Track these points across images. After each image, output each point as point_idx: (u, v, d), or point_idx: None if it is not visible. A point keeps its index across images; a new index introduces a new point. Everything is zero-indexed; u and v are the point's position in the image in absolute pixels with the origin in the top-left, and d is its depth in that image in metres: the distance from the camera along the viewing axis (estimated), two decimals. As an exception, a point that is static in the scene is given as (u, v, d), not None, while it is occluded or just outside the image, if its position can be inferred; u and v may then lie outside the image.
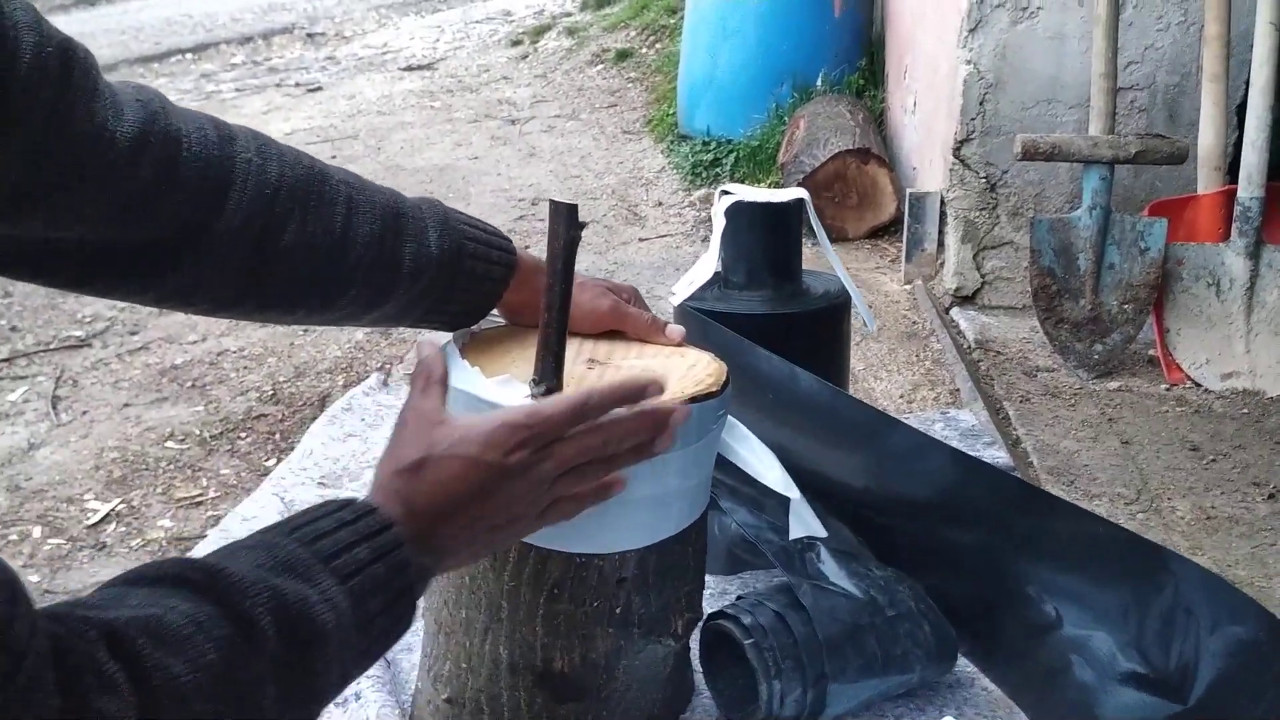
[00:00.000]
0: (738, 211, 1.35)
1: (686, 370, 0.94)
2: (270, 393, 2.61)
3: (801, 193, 1.39)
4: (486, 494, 0.69)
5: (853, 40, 3.48)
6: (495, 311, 1.00)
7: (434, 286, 0.90)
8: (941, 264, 2.57)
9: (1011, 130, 2.38)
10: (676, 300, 1.37)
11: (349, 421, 1.84)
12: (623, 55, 5.05)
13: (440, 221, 0.91)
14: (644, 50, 5.07)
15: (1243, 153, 2.08)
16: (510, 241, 0.98)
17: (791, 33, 3.38)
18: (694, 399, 0.87)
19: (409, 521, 0.65)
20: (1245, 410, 1.96)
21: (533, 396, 0.83)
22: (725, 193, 1.39)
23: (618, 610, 0.91)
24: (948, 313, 2.46)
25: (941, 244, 2.56)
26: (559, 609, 0.90)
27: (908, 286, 2.60)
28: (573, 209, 0.79)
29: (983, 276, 2.50)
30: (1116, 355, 2.12)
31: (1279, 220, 2.11)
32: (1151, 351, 2.19)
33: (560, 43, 5.61)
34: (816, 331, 1.37)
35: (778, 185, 3.24)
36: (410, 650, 1.21)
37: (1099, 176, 2.09)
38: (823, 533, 1.04)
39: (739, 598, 1.11)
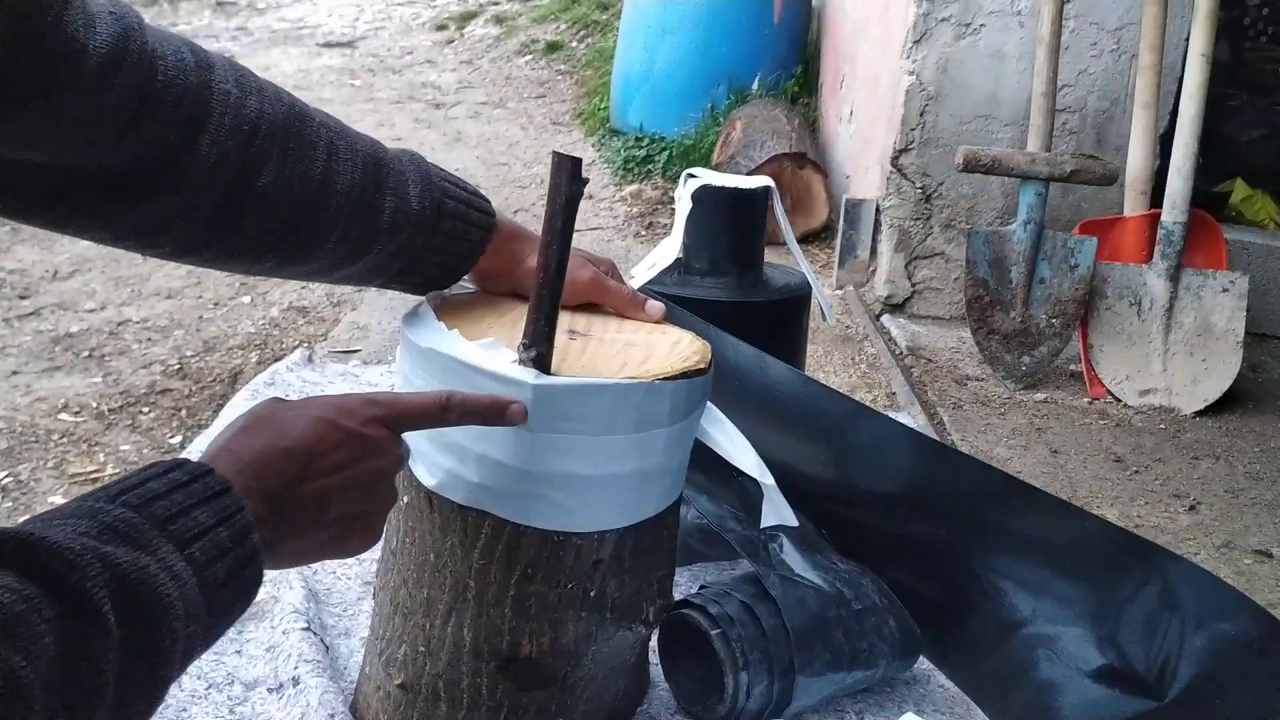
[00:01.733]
0: (705, 196, 1.32)
1: (671, 347, 0.90)
2: (176, 367, 2.46)
3: (767, 181, 1.37)
4: (333, 454, 0.63)
5: (790, 47, 3.50)
6: (466, 278, 0.95)
7: (411, 244, 0.85)
8: (873, 271, 2.60)
9: (949, 143, 2.41)
10: (636, 285, 1.33)
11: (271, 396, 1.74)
12: (552, 47, 4.99)
13: (421, 176, 0.85)
14: (574, 44, 5.02)
15: (1168, 179, 2.15)
16: (489, 203, 0.92)
17: (730, 35, 3.38)
18: (681, 375, 0.83)
19: (244, 483, 0.59)
20: (1163, 425, 2.03)
21: (521, 362, 0.78)
22: (691, 175, 1.36)
23: (592, 593, 0.87)
24: (878, 319, 2.49)
25: (874, 251, 2.58)
26: (531, 590, 0.85)
27: (839, 292, 2.62)
28: (576, 162, 0.75)
29: (913, 285, 2.53)
30: (1043, 368, 2.16)
31: (1199, 245, 2.19)
32: (1074, 366, 2.25)
33: (488, 30, 5.51)
34: (778, 322, 1.35)
35: (711, 185, 3.24)
36: (348, 635, 1.14)
37: (1035, 192, 2.14)
38: (794, 522, 1.01)
39: (702, 587, 1.08)
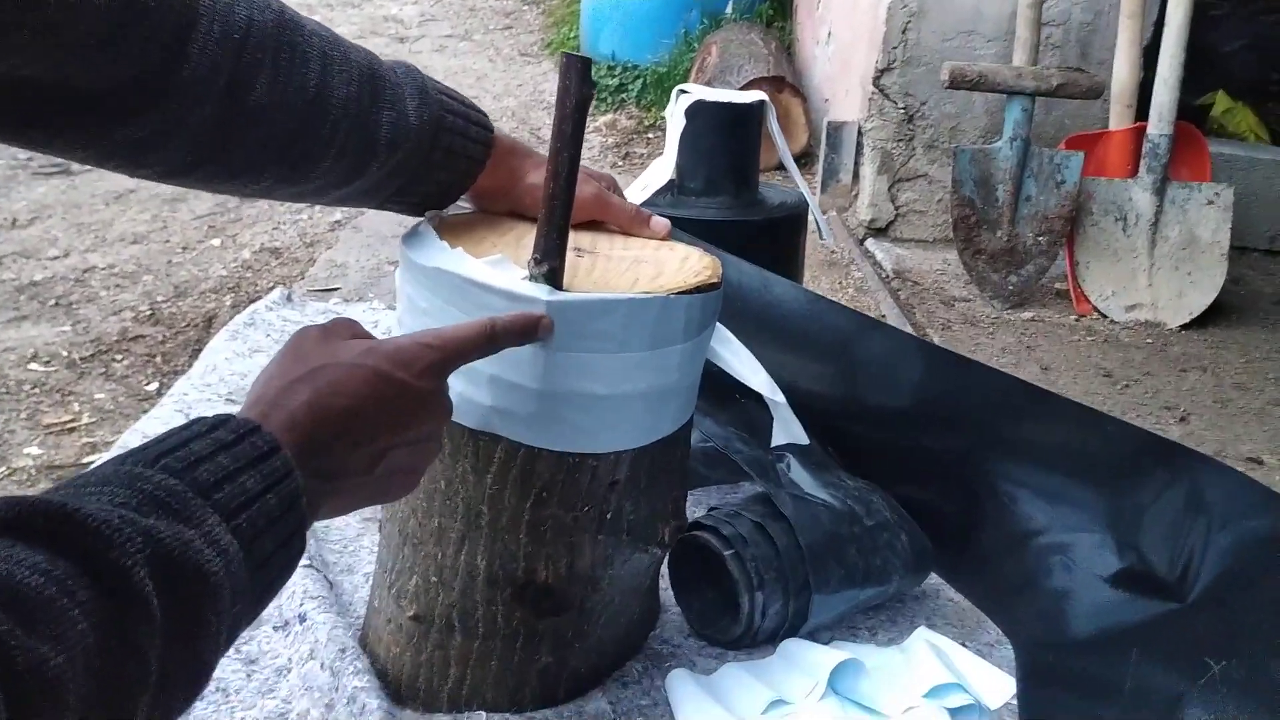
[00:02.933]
0: (699, 111, 1.28)
1: (680, 263, 0.87)
2: (148, 313, 2.40)
3: (762, 95, 1.33)
4: (388, 415, 0.61)
5: (763, -32, 3.42)
6: (463, 198, 0.91)
7: (409, 161, 0.80)
8: (856, 195, 2.57)
9: (932, 61, 2.37)
10: (629, 206, 1.30)
11: (252, 336, 1.70)
12: (516, -24, 4.85)
13: (418, 88, 0.81)
14: (538, -27, 4.88)
15: (1154, 90, 2.13)
16: (487, 117, 0.88)
17: (702, -43, 3.29)
18: (695, 290, 0.81)
19: (296, 441, 0.56)
20: (1149, 340, 2.03)
21: (531, 277, 0.75)
22: (683, 92, 1.32)
23: (608, 516, 0.85)
24: (862, 244, 2.46)
25: (857, 175, 2.55)
26: (546, 515, 0.82)
27: (824, 216, 2.59)
28: (586, 63, 0.71)
29: (896, 209, 2.50)
30: (1030, 287, 2.16)
31: (1184, 159, 2.18)
32: (1059, 285, 2.24)
33: (448, -40, 5.34)
34: (775, 241, 1.32)
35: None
36: (350, 571, 1.11)
37: (1021, 108, 2.11)
38: (805, 439, 1.00)
39: (711, 509, 1.06)
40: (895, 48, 2.38)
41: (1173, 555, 0.81)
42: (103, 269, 2.61)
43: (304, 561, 1.06)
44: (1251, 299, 2.26)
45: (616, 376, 0.78)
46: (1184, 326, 2.08)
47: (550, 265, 0.74)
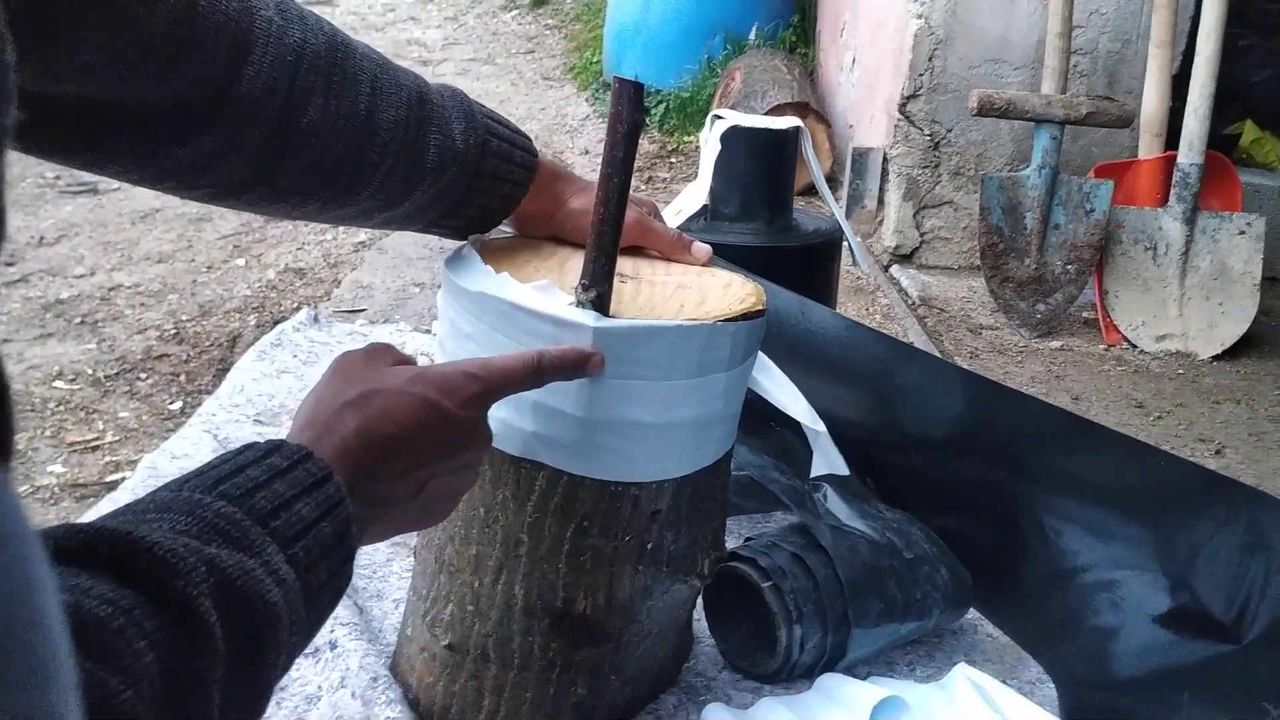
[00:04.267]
0: (734, 137, 1.28)
1: (724, 289, 0.86)
2: (172, 331, 2.41)
3: (796, 121, 1.32)
4: (434, 443, 0.61)
5: (786, -5, 3.43)
6: (505, 222, 0.90)
7: (455, 185, 0.80)
8: (881, 221, 2.56)
9: (959, 88, 2.37)
10: (663, 231, 1.29)
11: (280, 357, 1.70)
12: (539, 2, 4.88)
13: (465, 112, 0.80)
14: (561, -2, 4.92)
15: (1185, 120, 2.11)
16: (531, 141, 0.88)
17: (726, -17, 3.31)
18: (741, 317, 0.80)
19: (347, 468, 0.56)
20: (1181, 371, 2.01)
21: (579, 304, 0.74)
22: (718, 117, 1.31)
23: (649, 546, 0.83)
24: (886, 270, 2.45)
25: (882, 201, 2.54)
26: (587, 544, 0.81)
27: (857, 241, 2.59)
28: (638, 88, 0.70)
29: (921, 235, 2.49)
30: (1058, 315, 2.14)
31: (1214, 188, 2.16)
32: (1086, 314, 2.22)
33: (471, -15, 5.39)
34: (810, 267, 1.31)
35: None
36: (380, 597, 1.10)
37: (1050, 136, 2.10)
38: (845, 470, 0.98)
39: (748, 539, 1.05)
40: (922, 74, 2.38)
41: (1229, 595, 0.79)
42: (128, 287, 2.62)
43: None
44: (1282, 330, 2.24)
45: (661, 404, 0.77)
46: (1215, 358, 2.06)
47: (598, 291, 0.73)
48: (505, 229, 0.93)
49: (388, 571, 1.15)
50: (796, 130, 1.30)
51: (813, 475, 0.98)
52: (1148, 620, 0.88)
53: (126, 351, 2.33)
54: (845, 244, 1.36)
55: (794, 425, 1.00)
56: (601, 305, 0.73)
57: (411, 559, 1.04)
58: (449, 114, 0.79)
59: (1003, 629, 1.06)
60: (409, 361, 0.67)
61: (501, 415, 0.78)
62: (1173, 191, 2.13)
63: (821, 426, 0.94)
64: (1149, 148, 2.17)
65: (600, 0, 4.24)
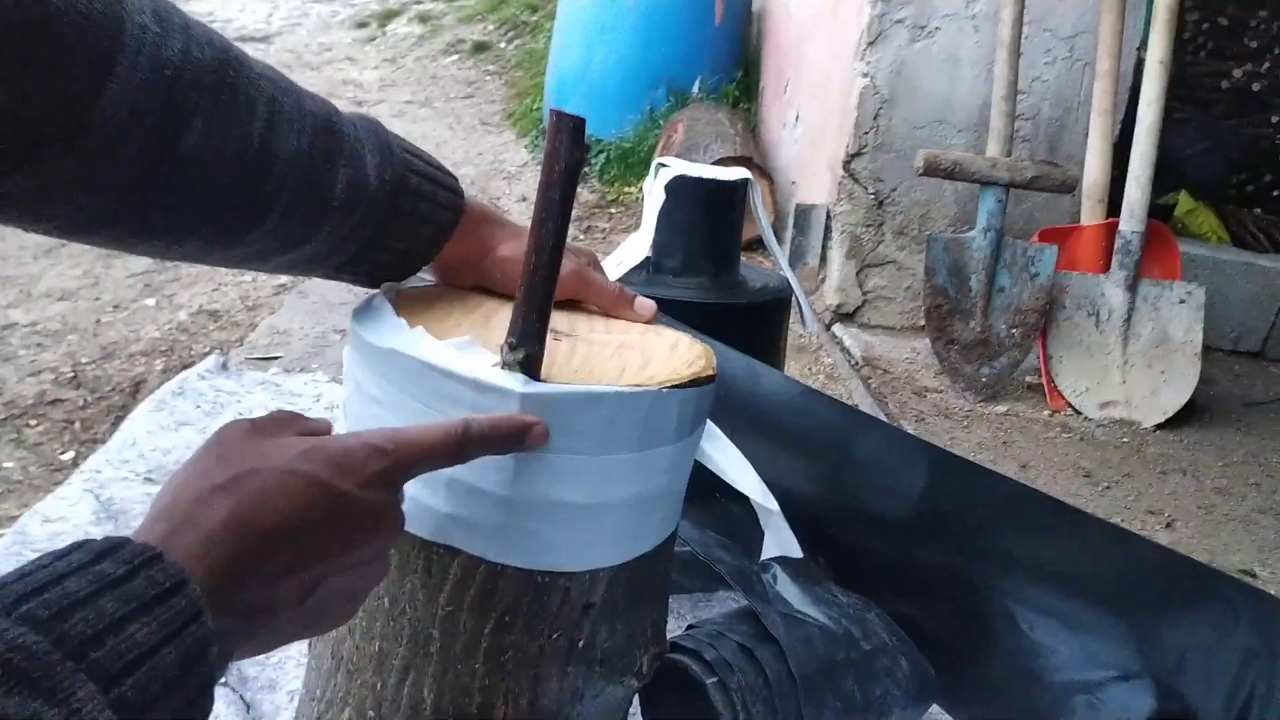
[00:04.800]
0: (680, 187, 1.20)
1: (670, 350, 0.77)
2: (69, 375, 2.24)
3: (744, 172, 1.25)
4: (328, 534, 0.50)
5: (730, 51, 3.41)
6: (425, 268, 0.80)
7: (365, 225, 0.70)
8: (823, 279, 2.51)
9: (903, 148, 2.34)
10: (603, 283, 1.20)
11: (180, 408, 1.56)
12: (480, 47, 4.83)
13: (380, 145, 0.71)
14: (502, 45, 4.86)
15: (1126, 188, 2.11)
16: (457, 180, 0.78)
17: (670, 36, 3.27)
18: (690, 383, 0.70)
19: (210, 571, 0.45)
20: (1125, 439, 1.97)
21: (505, 365, 0.64)
22: (663, 165, 1.23)
23: (580, 644, 0.72)
24: (828, 329, 2.40)
25: (824, 258, 2.49)
26: (508, 642, 0.70)
27: (807, 300, 2.53)
28: (579, 123, 0.61)
29: (864, 294, 2.45)
30: (1003, 379, 2.10)
31: (1155, 256, 2.16)
32: (1029, 378, 2.18)
33: (411, 29, 5.32)
34: (756, 326, 1.23)
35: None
36: (273, 688, 0.97)
37: (995, 198, 2.08)
38: (799, 553, 0.89)
39: (690, 626, 0.95)
40: (866, 133, 2.35)
41: (1227, 702, 0.71)
42: (24, 325, 2.44)
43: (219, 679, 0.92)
44: (1221, 400, 2.23)
45: (597, 482, 0.67)
46: (1159, 426, 2.03)
47: (527, 351, 0.63)
48: (426, 277, 0.83)
49: (283, 658, 1.02)
50: (745, 182, 1.22)
51: (764, 557, 0.88)
52: (1130, 727, 0.80)
53: (16, 395, 2.16)
54: (795, 303, 1.28)
55: (740, 496, 0.91)
56: (531, 367, 0.63)
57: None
58: (361, 145, 0.69)
59: (965, 727, 0.97)
60: (320, 432, 0.56)
61: (410, 492, 0.67)
62: (1115, 258, 2.12)
63: (774, 505, 0.85)
64: (1091, 214, 2.15)
65: (543, 48, 4.19)
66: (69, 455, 2.00)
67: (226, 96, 0.60)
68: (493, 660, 0.70)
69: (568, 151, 0.61)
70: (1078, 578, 0.83)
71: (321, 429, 0.55)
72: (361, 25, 5.50)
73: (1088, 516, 0.81)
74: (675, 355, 0.76)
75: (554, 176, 0.61)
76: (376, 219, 0.70)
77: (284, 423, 0.54)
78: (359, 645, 0.74)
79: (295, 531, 0.49)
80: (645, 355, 0.75)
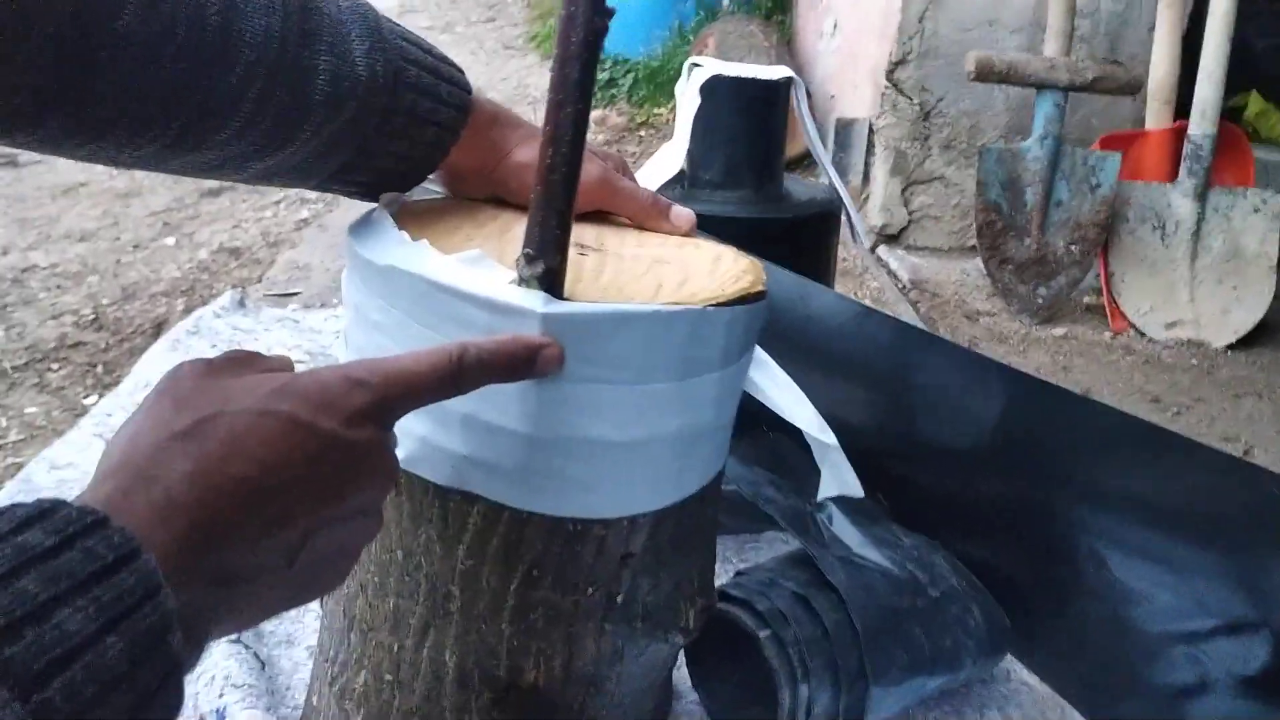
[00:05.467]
0: (717, 89, 1.08)
1: (712, 264, 0.67)
2: (91, 317, 2.18)
3: (787, 70, 1.13)
4: (311, 482, 0.41)
5: (762, -40, 3.24)
6: (431, 177, 0.70)
7: (358, 125, 0.60)
8: (866, 199, 2.38)
9: (950, 53, 2.19)
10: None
11: (196, 346, 1.49)
12: (501, -31, 4.65)
13: (369, 29, 0.60)
14: (523, -35, 4.69)
15: (1197, 86, 1.95)
16: (464, 74, 0.68)
17: (698, -54, 3.10)
18: (737, 301, 0.60)
19: (174, 536, 0.36)
20: (1194, 361, 1.85)
21: (521, 280, 0.54)
22: (696, 65, 1.12)
23: (618, 599, 0.64)
24: (872, 252, 2.27)
25: (867, 177, 2.36)
26: (537, 598, 0.62)
27: (858, 214, 2.41)
28: (602, -15, 0.50)
29: (910, 214, 2.32)
30: (1061, 300, 1.97)
31: (1227, 163, 2.00)
32: (1088, 299, 2.06)
33: (429, -47, 5.14)
34: (803, 243, 1.13)
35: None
36: (290, 643, 0.90)
37: (1053, 103, 1.93)
38: (859, 492, 0.80)
39: (738, 573, 0.86)
40: (911, 38, 2.20)
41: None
42: (44, 268, 2.39)
43: (230, 636, 0.85)
44: (1295, 316, 2.09)
45: (634, 416, 0.58)
46: (1230, 347, 1.90)
47: (547, 264, 0.53)
48: (433, 188, 0.73)
49: (303, 610, 0.95)
50: (789, 81, 1.11)
51: (821, 496, 0.79)
52: (1238, 682, 0.71)
53: (38, 339, 2.11)
54: (844, 218, 1.18)
55: (790, 429, 0.82)
56: (552, 283, 0.54)
57: (325, 599, 0.84)
58: (346, 29, 0.59)
59: (1041, 677, 0.89)
60: (281, 369, 0.47)
61: (421, 432, 0.59)
62: (1183, 165, 1.97)
63: (832, 439, 0.76)
64: (1157, 116, 2.00)
65: (565, -33, 4.02)
66: (91, 400, 1.95)
67: None
68: (521, 619, 0.62)
69: (586, 18, 0.50)
70: (1181, 513, 0.73)
71: (284, 366, 0.46)
72: (378, -49, 5.33)
73: (1192, 443, 0.71)
74: (719, 270, 0.66)
75: (570, 49, 0.51)
76: (370, 117, 0.60)
77: (243, 361, 0.45)
78: (372, 603, 0.66)
79: (275, 481, 0.40)
80: (684, 271, 0.65)
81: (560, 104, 0.51)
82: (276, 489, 0.40)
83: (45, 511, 0.33)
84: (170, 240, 2.53)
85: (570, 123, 0.51)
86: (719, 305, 0.59)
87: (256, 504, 0.39)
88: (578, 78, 0.51)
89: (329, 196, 2.72)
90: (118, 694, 0.32)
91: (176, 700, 0.35)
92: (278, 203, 2.68)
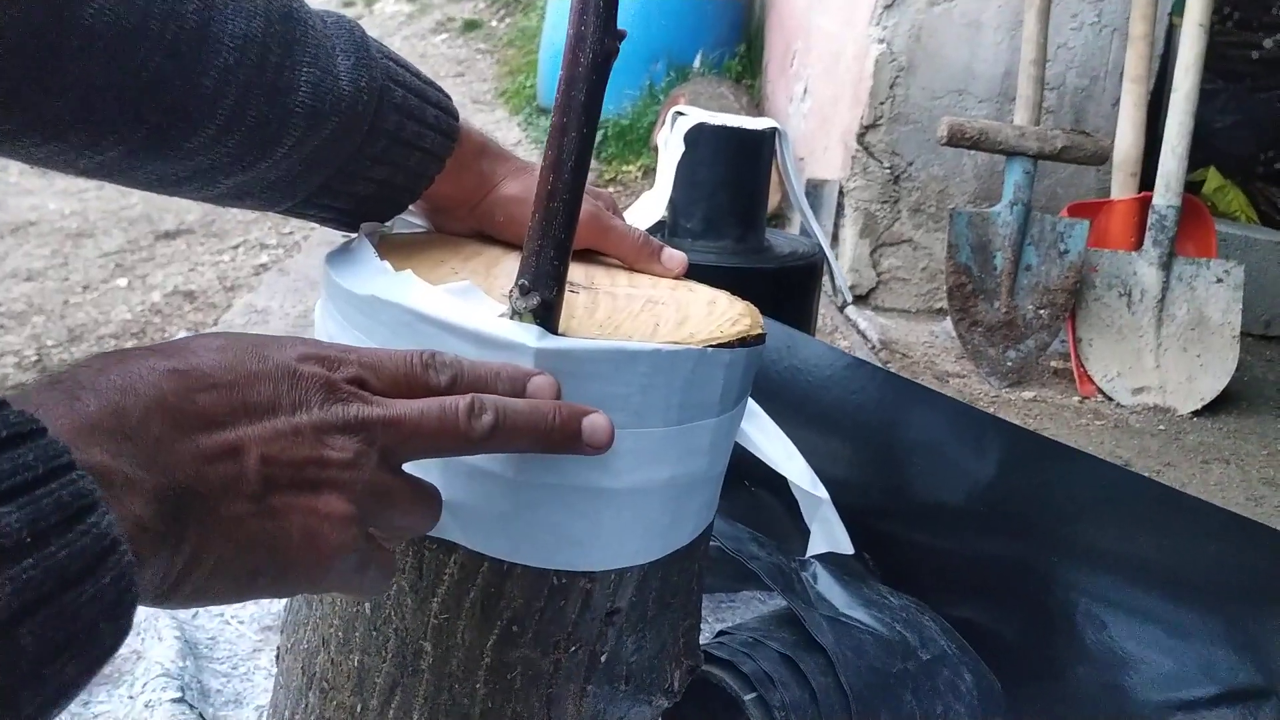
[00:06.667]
0: (701, 138, 1.07)
1: (708, 307, 0.64)
2: (33, 358, 2.10)
3: (772, 122, 1.12)
4: (245, 390, 0.37)
5: (732, 24, 3.28)
6: (411, 207, 0.67)
7: (338, 144, 0.57)
8: (835, 259, 2.38)
9: (920, 119, 2.22)
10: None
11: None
12: (470, 25, 4.68)
13: (354, 45, 0.58)
14: (494, 23, 4.72)
15: (1161, 159, 1.99)
16: (451, 99, 0.65)
17: (670, 9, 3.14)
18: (738, 343, 0.58)
19: (77, 414, 0.32)
20: (1162, 427, 1.85)
21: (515, 314, 0.51)
22: (680, 114, 1.10)
23: (602, 659, 0.60)
24: (841, 311, 2.27)
25: (836, 237, 2.37)
26: (515, 657, 0.57)
27: (840, 269, 2.40)
28: (610, 2, 0.48)
29: (879, 275, 2.32)
30: (1029, 363, 1.97)
31: (1189, 233, 2.04)
32: (1056, 363, 2.06)
33: (400, 7, 5.16)
34: (785, 295, 1.10)
35: (651, 168, 2.99)
36: (239, 702, 0.84)
37: (1023, 170, 1.95)
38: (849, 548, 0.77)
39: (721, 632, 0.82)
40: (882, 103, 2.22)
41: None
42: (-12, 307, 2.30)
43: (173, 693, 0.79)
44: (1256, 385, 2.11)
45: (628, 462, 0.54)
46: (1195, 413, 1.91)
47: (543, 297, 0.50)
48: (413, 220, 0.70)
49: (251, 667, 0.89)
50: (774, 132, 1.10)
51: (810, 553, 0.76)
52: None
53: (-23, 380, 2.02)
54: (827, 270, 1.16)
55: (772, 484, 0.78)
56: (548, 317, 0.51)
57: (279, 656, 0.78)
58: (331, 43, 0.56)
59: (1033, 746, 0.85)
60: None
61: (397, 473, 0.55)
62: (1148, 235, 2.00)
63: (824, 493, 0.73)
64: (1123, 187, 2.03)
65: (535, 26, 4.05)
66: (31, 442, 1.86)
67: None
68: (497, 679, 0.58)
69: (596, 39, 0.48)
70: (1185, 575, 0.70)
71: None
72: (348, 4, 5.34)
73: (1199, 502, 0.69)
74: (715, 312, 0.63)
75: (578, 70, 0.48)
76: (351, 137, 0.57)
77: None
78: (334, 659, 0.61)
79: (198, 374, 0.36)
80: (681, 311, 0.62)
81: (564, 128, 0.49)
82: (201, 382, 0.36)
83: None
84: (122, 282, 2.46)
85: (574, 148, 0.49)
86: (721, 346, 0.56)
87: (177, 392, 0.35)
88: (584, 101, 0.48)
89: (289, 241, 2.67)
90: (21, 565, 0.27)
91: (118, 591, 0.30)
92: (236, 247, 2.62)
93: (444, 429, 0.41)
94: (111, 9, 0.44)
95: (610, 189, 3.02)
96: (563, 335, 0.52)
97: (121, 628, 0.31)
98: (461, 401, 0.42)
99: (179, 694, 0.79)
